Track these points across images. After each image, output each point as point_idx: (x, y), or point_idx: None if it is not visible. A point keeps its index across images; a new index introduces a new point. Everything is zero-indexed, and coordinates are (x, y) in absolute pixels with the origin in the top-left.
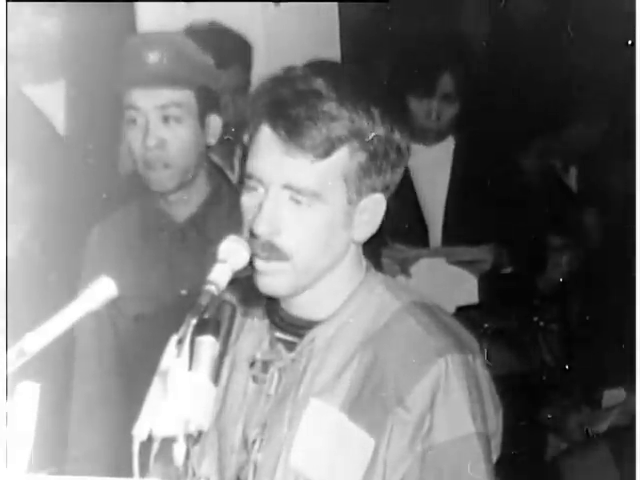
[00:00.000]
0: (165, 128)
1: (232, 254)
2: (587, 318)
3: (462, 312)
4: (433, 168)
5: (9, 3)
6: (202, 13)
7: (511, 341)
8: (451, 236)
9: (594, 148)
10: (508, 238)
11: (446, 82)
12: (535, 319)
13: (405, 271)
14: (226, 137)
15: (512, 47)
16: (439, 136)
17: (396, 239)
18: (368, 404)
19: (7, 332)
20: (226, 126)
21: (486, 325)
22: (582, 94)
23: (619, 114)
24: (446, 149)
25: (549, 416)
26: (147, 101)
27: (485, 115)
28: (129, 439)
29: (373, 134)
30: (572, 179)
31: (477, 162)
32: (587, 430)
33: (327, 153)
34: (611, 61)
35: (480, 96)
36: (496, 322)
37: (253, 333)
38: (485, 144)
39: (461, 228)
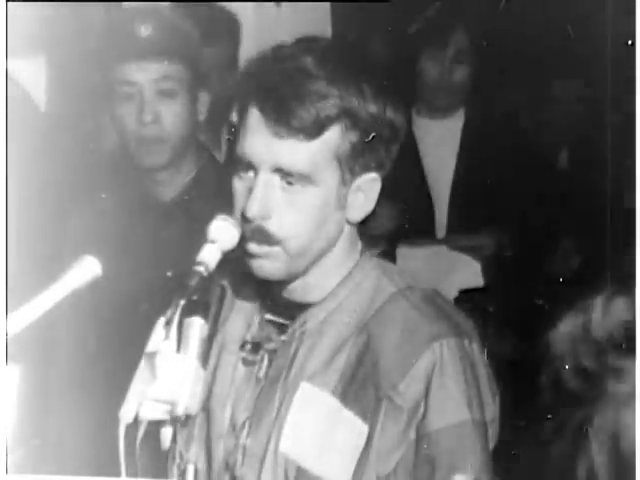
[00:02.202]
0: (160, 103)
1: (222, 234)
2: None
3: (467, 295)
4: (441, 144)
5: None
6: None
7: (516, 325)
8: (456, 216)
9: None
10: (513, 221)
11: (459, 37)
12: (540, 302)
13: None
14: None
15: (526, 16)
16: (449, 104)
17: (403, 219)
18: (361, 389)
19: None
20: (214, 104)
21: (491, 309)
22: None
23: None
24: (454, 125)
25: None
26: (141, 75)
27: (497, 86)
28: (112, 423)
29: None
30: (564, 160)
31: (486, 140)
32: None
33: (317, 133)
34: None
35: (493, 62)
36: (501, 305)
37: (243, 315)
38: (496, 121)
39: (466, 208)
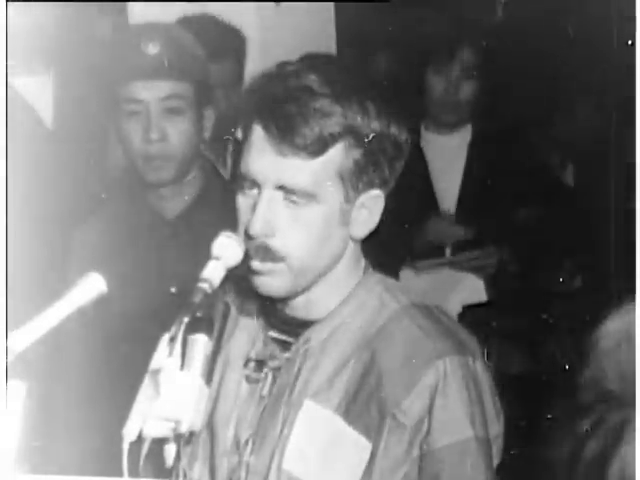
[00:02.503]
0: (166, 120)
1: (226, 251)
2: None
3: (470, 311)
4: (449, 159)
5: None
6: (195, 6)
7: (520, 340)
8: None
9: (593, 147)
10: (518, 235)
11: (466, 54)
12: (544, 317)
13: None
14: (226, 137)
15: (530, 31)
16: (456, 119)
17: (413, 234)
18: (364, 407)
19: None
20: (219, 120)
21: (494, 324)
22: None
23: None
24: (462, 140)
25: (549, 416)
26: (149, 93)
27: (504, 101)
28: (116, 439)
29: (373, 134)
30: (569, 176)
31: (492, 157)
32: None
33: (320, 151)
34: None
35: (500, 77)
36: (505, 320)
37: (247, 332)
38: (503, 137)
39: (472, 223)
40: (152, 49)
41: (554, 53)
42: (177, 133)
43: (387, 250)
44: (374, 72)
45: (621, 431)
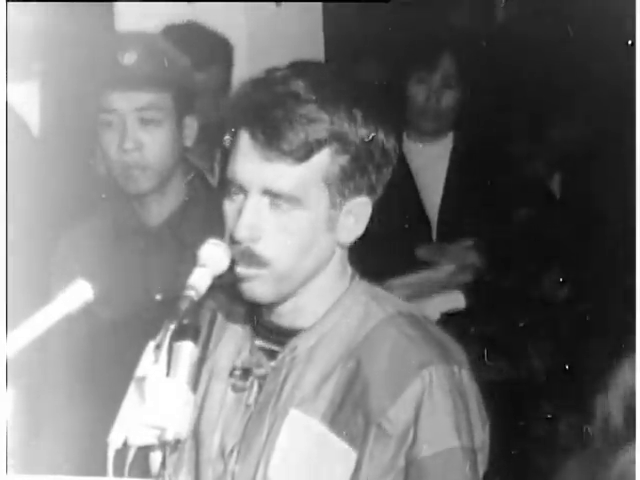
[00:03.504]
0: (142, 131)
1: (212, 258)
2: (579, 321)
3: (449, 318)
4: (431, 168)
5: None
6: (182, 13)
7: (499, 346)
8: (443, 239)
9: (588, 152)
10: (498, 243)
11: (447, 62)
12: (522, 324)
13: None
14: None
15: (515, 41)
16: (438, 128)
17: (399, 239)
18: (350, 416)
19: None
20: (207, 128)
21: (472, 330)
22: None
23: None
24: (444, 149)
25: (538, 422)
26: (124, 104)
27: (486, 110)
28: (99, 446)
29: (362, 139)
30: (556, 185)
31: (473, 166)
32: (586, 429)
33: (306, 156)
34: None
35: (481, 86)
36: (483, 327)
37: (233, 340)
38: (484, 147)
39: (453, 232)
40: (128, 59)
41: (553, 53)
42: (154, 143)
43: (373, 260)
44: (361, 79)
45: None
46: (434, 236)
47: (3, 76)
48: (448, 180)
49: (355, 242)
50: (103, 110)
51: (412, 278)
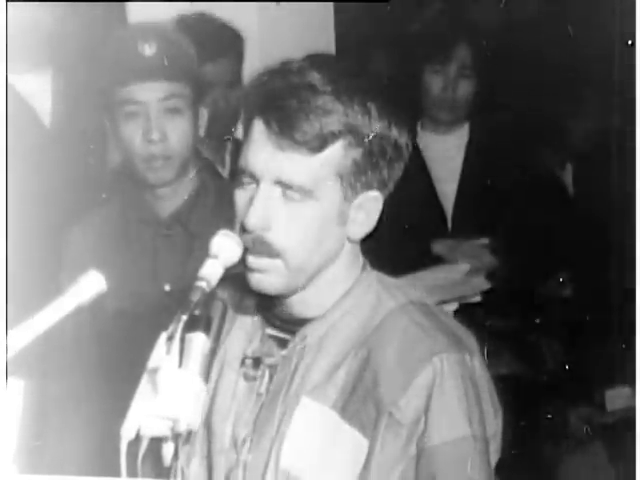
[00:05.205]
0: (167, 120)
1: (224, 249)
2: (587, 318)
3: (465, 310)
4: (446, 159)
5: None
6: (195, 5)
7: (513, 340)
8: (458, 230)
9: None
10: (514, 236)
11: (463, 52)
12: (537, 320)
13: None
14: (226, 138)
15: (530, 30)
16: (454, 118)
17: (414, 231)
18: (361, 404)
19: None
20: (218, 119)
21: (488, 323)
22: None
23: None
24: (459, 139)
25: (549, 416)
26: (147, 94)
27: (502, 100)
28: (113, 438)
29: (373, 134)
30: (569, 176)
31: (490, 156)
32: (587, 429)
33: (320, 148)
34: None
35: (497, 76)
36: (498, 320)
37: (244, 330)
38: (500, 136)
39: (468, 223)
40: (149, 50)
41: (554, 52)
42: (177, 133)
43: (387, 253)
44: (375, 73)
45: None
46: (449, 226)
47: (3, 75)
48: (463, 171)
49: (369, 235)
50: (125, 102)
51: (427, 275)
